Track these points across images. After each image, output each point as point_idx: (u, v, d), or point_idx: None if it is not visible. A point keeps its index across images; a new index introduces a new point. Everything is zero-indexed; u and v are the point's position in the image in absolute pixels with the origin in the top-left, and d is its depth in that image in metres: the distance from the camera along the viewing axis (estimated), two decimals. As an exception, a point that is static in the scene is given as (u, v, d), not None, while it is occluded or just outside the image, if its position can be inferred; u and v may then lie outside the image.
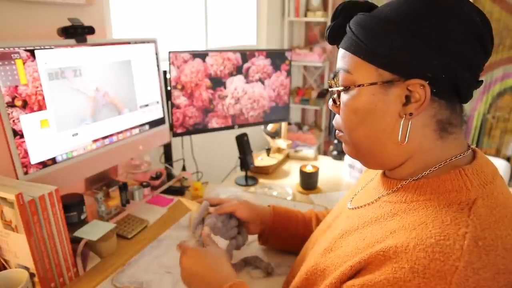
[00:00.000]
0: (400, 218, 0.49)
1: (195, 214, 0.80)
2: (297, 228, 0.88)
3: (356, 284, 0.47)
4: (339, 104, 0.56)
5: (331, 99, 0.59)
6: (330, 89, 0.58)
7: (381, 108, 0.51)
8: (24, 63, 0.79)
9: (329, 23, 0.57)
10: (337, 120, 0.58)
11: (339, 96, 0.56)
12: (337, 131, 0.60)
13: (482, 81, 0.52)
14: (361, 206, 0.60)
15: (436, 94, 0.48)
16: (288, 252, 0.91)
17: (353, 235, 0.55)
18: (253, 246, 0.94)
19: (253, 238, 0.98)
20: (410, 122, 0.50)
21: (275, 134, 1.66)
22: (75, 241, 0.84)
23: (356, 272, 0.49)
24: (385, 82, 0.49)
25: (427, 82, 0.47)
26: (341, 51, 0.55)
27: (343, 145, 0.60)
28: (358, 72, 0.51)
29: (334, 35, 0.56)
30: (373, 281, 0.45)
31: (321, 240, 0.65)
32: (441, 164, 0.51)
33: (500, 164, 2.31)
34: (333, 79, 0.58)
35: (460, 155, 0.52)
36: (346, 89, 0.53)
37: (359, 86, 0.51)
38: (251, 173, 1.51)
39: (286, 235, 0.88)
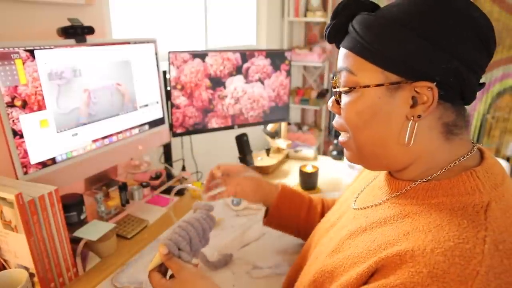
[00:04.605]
0: (412, 220, 0.48)
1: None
2: (300, 210, 0.88)
3: None
4: (341, 105, 0.55)
5: (331, 100, 0.58)
6: (334, 90, 0.56)
7: (387, 110, 0.50)
8: (23, 63, 0.79)
9: (328, 23, 0.56)
10: (338, 121, 0.57)
11: (340, 96, 0.55)
12: (340, 137, 0.58)
13: (484, 83, 0.51)
14: (368, 207, 0.59)
15: (442, 97, 0.47)
16: (288, 252, 0.91)
17: (361, 236, 0.54)
18: (252, 247, 0.94)
19: (256, 234, 0.97)
20: (416, 124, 0.49)
21: (275, 134, 1.66)
22: (75, 241, 0.84)
23: (371, 274, 0.47)
24: (392, 83, 0.48)
25: (435, 84, 0.46)
26: (343, 51, 0.53)
27: (345, 151, 0.59)
28: (363, 73, 0.50)
29: (334, 34, 0.54)
30: (388, 285, 0.43)
31: (325, 240, 0.64)
32: (450, 166, 0.50)
33: (499, 164, 2.31)
34: (333, 78, 0.56)
35: (467, 155, 0.51)
36: (350, 90, 0.52)
37: (364, 87, 0.50)
38: (250, 173, 1.51)
39: (288, 217, 0.87)
